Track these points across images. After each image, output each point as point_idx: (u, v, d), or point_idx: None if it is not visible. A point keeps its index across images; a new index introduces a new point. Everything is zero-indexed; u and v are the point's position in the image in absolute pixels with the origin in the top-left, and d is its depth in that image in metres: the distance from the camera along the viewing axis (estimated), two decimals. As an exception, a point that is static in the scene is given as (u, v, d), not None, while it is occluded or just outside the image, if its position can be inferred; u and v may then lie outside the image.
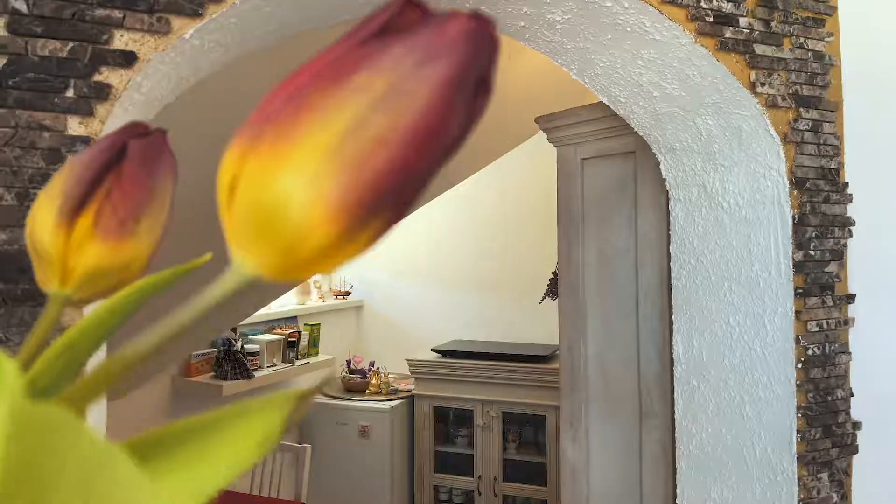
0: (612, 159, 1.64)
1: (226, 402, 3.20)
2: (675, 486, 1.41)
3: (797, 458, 1.17)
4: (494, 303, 4.01)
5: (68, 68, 0.70)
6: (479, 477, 3.54)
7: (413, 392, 3.71)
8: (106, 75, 0.72)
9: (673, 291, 1.42)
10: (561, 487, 1.71)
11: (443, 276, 4.13)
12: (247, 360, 3.04)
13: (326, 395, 3.81)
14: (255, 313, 3.44)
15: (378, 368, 3.94)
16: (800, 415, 1.17)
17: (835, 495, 1.19)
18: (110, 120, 0.72)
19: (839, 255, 1.23)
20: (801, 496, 1.16)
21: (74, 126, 0.70)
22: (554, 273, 2.05)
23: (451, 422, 3.80)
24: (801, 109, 1.18)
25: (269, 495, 2.77)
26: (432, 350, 3.73)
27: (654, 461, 1.53)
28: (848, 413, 1.22)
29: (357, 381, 3.86)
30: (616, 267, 1.63)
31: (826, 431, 1.19)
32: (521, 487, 3.47)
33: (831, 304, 1.21)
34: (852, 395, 1.25)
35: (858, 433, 1.24)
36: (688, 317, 1.38)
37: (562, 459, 1.73)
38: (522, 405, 3.44)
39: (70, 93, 0.70)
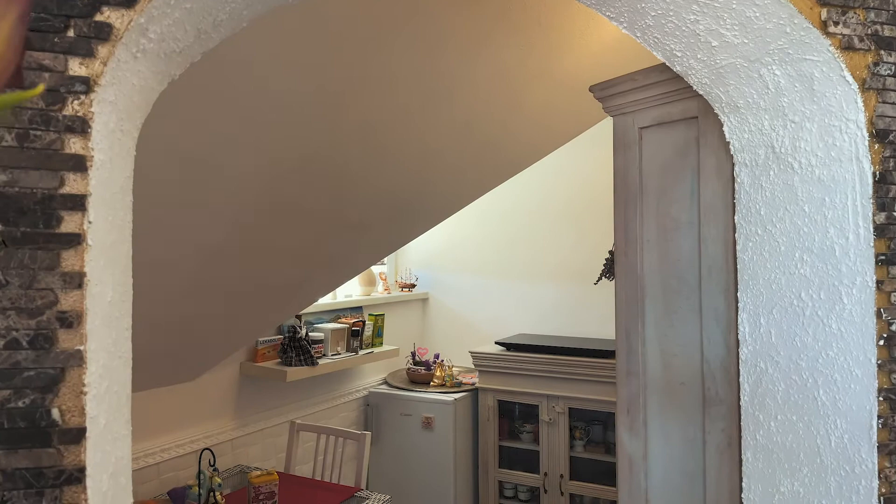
0: (672, 126, 1.52)
1: (289, 388, 3.25)
2: (741, 480, 1.28)
3: (878, 447, 1.02)
4: (563, 296, 3.88)
5: (68, 7, 0.69)
6: (545, 474, 3.44)
7: (477, 385, 3.65)
8: (107, 15, 0.71)
9: (738, 265, 1.29)
10: (618, 481, 1.60)
11: (511, 270, 4.04)
12: (311, 347, 3.08)
13: (391, 386, 3.81)
14: (321, 302, 3.48)
15: (442, 361, 3.91)
16: (881, 398, 1.02)
17: (926, 494, 1.04)
18: (112, 62, 0.71)
19: (932, 220, 1.08)
20: (883, 491, 1.02)
21: (75, 67, 0.70)
22: (610, 252, 1.93)
23: (517, 417, 3.71)
24: (881, 52, 1.03)
25: (331, 481, 2.78)
26: (496, 343, 3.66)
27: (719, 452, 1.40)
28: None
29: (421, 373, 3.84)
30: (677, 242, 1.50)
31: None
32: (589, 487, 3.33)
33: (922, 274, 1.06)
34: (950, 380, 1.09)
35: None
36: (754, 293, 1.25)
37: (618, 451, 1.62)
38: (589, 401, 3.31)
39: (70, 32, 0.69)
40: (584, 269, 3.58)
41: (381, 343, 3.65)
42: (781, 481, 1.19)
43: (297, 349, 3.05)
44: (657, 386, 1.54)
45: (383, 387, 3.80)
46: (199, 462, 2.23)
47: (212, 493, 2.19)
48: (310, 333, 3.18)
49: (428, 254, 4.33)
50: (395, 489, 3.63)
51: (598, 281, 1.64)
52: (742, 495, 1.27)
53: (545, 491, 3.42)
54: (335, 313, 3.56)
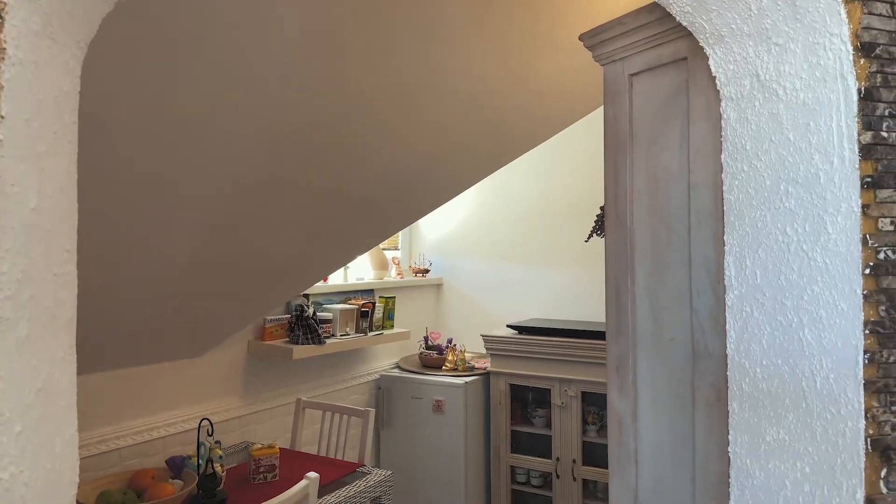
0: (662, 71, 1.46)
1: (298, 368, 3.24)
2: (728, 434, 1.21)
3: (864, 385, 0.94)
4: (578, 282, 3.80)
5: None
6: (558, 459, 3.36)
7: (489, 369, 3.59)
8: None
9: (725, 207, 1.22)
10: (609, 442, 1.54)
11: (526, 255, 3.98)
12: (319, 327, 3.07)
13: (402, 370, 3.78)
14: (331, 283, 3.47)
15: (455, 345, 3.86)
16: (867, 331, 0.95)
17: (921, 435, 0.95)
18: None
19: (928, 145, 0.99)
20: (870, 432, 0.94)
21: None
22: (601, 209, 1.85)
23: (529, 401, 3.64)
24: (868, -43, 0.96)
25: (335, 458, 2.75)
26: (508, 326, 3.60)
27: (708, 408, 1.32)
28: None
29: (433, 357, 3.80)
30: (667, 191, 1.43)
31: (906, 355, 0.95)
32: (602, 472, 3.25)
33: (915, 201, 0.97)
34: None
35: None
36: (740, 234, 1.18)
37: (609, 412, 1.55)
38: (603, 385, 3.22)
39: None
40: (600, 254, 3.50)
41: (392, 326, 3.62)
42: (767, 430, 1.11)
43: (304, 328, 3.05)
44: (647, 343, 1.47)
45: (395, 370, 3.77)
46: (199, 432, 2.22)
47: (210, 463, 2.18)
48: (318, 313, 3.16)
49: (443, 239, 4.29)
50: (406, 472, 3.59)
51: (588, 238, 1.58)
52: (728, 448, 1.20)
53: (557, 476, 3.35)
54: (346, 295, 3.54)
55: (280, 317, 3.10)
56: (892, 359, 0.95)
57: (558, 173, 3.84)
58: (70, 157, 0.89)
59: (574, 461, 3.31)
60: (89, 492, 1.98)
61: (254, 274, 2.51)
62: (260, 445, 2.42)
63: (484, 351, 3.78)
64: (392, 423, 3.67)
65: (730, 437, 1.20)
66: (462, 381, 3.49)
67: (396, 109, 2.04)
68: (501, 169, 4.06)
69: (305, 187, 2.15)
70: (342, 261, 2.95)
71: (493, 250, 4.12)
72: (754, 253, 1.15)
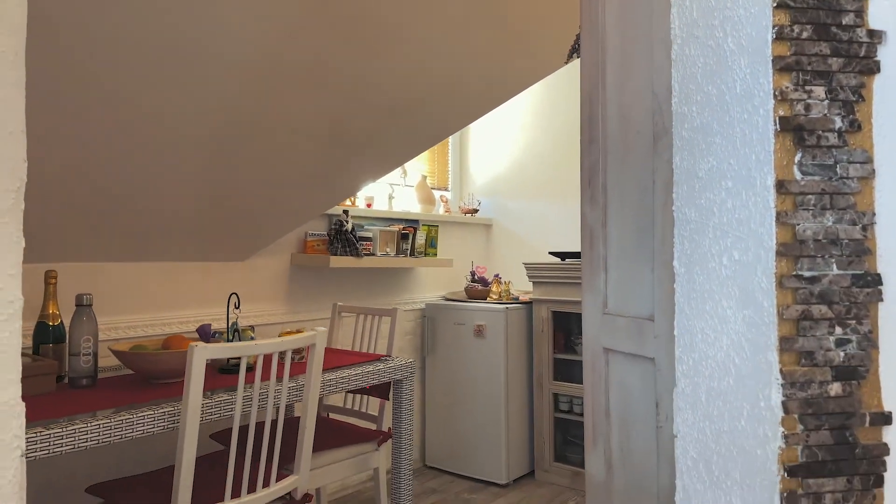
0: None
1: (341, 288, 3.36)
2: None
3: (772, 61, 0.90)
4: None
5: None
6: (599, 384, 3.28)
7: (531, 297, 3.58)
8: None
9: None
10: (581, 253, 1.51)
11: (575, 194, 3.93)
12: (358, 243, 3.18)
13: (447, 299, 3.83)
14: (375, 208, 3.58)
15: (500, 278, 3.87)
16: (775, 5, 0.90)
17: (838, 119, 0.90)
18: None
19: None
20: (780, 113, 0.90)
21: None
22: (577, 35, 1.82)
23: (573, 330, 3.58)
24: None
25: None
26: (550, 253, 3.57)
27: (664, 186, 1.27)
28: (861, 16, 0.91)
29: (479, 289, 3.83)
30: (633, -12, 1.41)
31: (820, 32, 0.90)
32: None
33: None
34: None
35: (875, 86, 0.92)
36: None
37: (581, 226, 1.53)
38: (644, 304, 3.12)
39: None
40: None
41: (435, 254, 3.68)
42: (700, 166, 1.08)
43: (343, 241, 3.17)
44: (616, 146, 1.45)
45: (439, 301, 3.83)
46: (228, 305, 2.37)
47: (238, 333, 2.33)
48: (358, 232, 3.28)
49: (493, 182, 4.32)
50: (449, 396, 3.63)
51: (567, 61, 1.56)
52: (673, 208, 1.16)
53: (598, 400, 3.27)
54: (389, 222, 3.64)
55: (321, 232, 3.24)
56: (804, 34, 0.90)
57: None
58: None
59: (615, 384, 3.22)
60: (126, 346, 2.17)
61: (287, 176, 2.64)
62: (289, 330, 2.55)
63: (531, 289, 3.76)
64: (436, 350, 3.72)
65: (673, 193, 1.16)
66: (503, 307, 3.49)
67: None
68: (548, 105, 4.04)
69: (323, 85, 2.23)
70: (377, 172, 3.03)
71: (542, 189, 4.10)
72: (693, -6, 1.12)
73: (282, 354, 2.02)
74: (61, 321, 2.09)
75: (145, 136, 2.03)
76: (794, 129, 0.90)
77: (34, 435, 1.50)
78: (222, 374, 2.24)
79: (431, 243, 3.67)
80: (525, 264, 3.59)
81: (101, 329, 2.36)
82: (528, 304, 3.61)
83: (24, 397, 0.95)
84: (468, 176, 4.42)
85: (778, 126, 0.90)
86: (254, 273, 3.05)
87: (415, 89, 2.51)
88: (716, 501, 1.00)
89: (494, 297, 3.73)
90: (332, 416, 2.89)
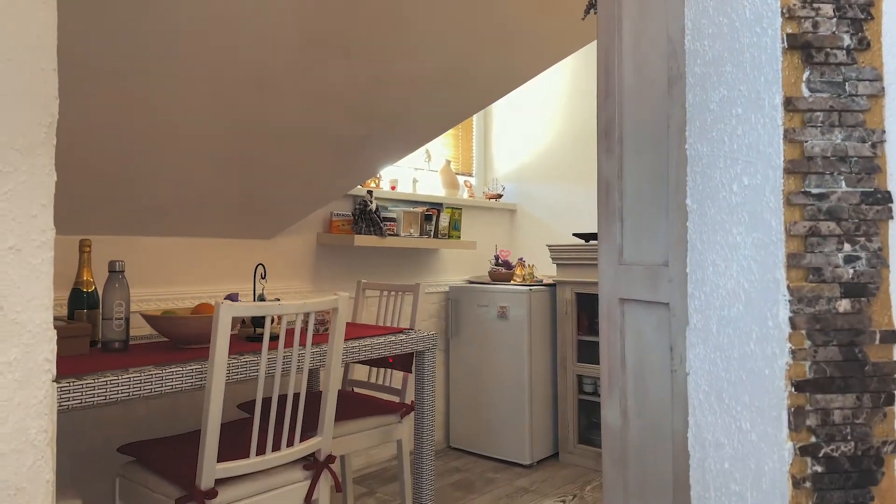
0: None
1: (366, 268, 3.41)
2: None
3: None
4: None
5: None
6: (623, 364, 3.26)
7: (555, 279, 3.58)
8: None
9: None
10: (598, 205, 1.52)
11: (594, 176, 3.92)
12: (382, 223, 3.22)
13: (471, 283, 3.85)
14: (399, 190, 3.62)
15: (524, 261, 3.88)
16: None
17: (846, 37, 0.90)
18: None
19: None
20: (787, 31, 0.90)
21: None
22: None
23: (596, 312, 3.57)
24: None
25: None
26: (574, 235, 3.56)
27: (679, 133, 1.28)
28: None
29: (502, 272, 3.84)
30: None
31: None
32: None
33: None
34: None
35: (885, 4, 0.91)
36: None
37: (598, 177, 1.54)
38: (669, 283, 3.10)
39: None
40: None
41: (459, 236, 3.71)
42: (712, 99, 1.08)
43: (367, 221, 3.21)
44: (631, 98, 1.46)
45: (463, 284, 3.85)
46: (255, 274, 2.43)
47: (262, 297, 2.38)
48: (382, 213, 3.32)
49: (518, 169, 4.32)
50: (473, 377, 3.65)
51: (584, 16, 1.58)
52: (686, 147, 1.17)
53: (622, 380, 3.25)
54: (413, 204, 3.68)
55: (346, 213, 3.29)
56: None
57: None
58: None
59: (639, 363, 3.20)
60: (157, 312, 2.23)
61: (310, 152, 2.69)
62: (314, 303, 2.59)
63: (555, 273, 3.76)
64: (459, 332, 3.74)
65: (686, 132, 1.17)
66: (527, 289, 3.49)
67: None
68: (571, 88, 4.04)
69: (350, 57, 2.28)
70: (400, 151, 3.06)
71: (567, 174, 4.10)
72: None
73: (305, 321, 2.06)
74: (95, 288, 2.17)
75: (177, 116, 2.10)
76: (801, 47, 0.90)
77: (67, 385, 1.56)
78: (249, 342, 2.29)
79: (455, 226, 3.70)
80: (549, 246, 3.59)
81: (133, 301, 2.43)
82: (552, 286, 3.61)
83: (58, 358, 1.00)
84: (492, 162, 4.44)
85: (786, 43, 0.90)
86: (280, 251, 3.11)
87: (439, 63, 2.54)
88: (726, 428, 1.01)
89: (518, 279, 3.74)
90: (356, 390, 2.93)
